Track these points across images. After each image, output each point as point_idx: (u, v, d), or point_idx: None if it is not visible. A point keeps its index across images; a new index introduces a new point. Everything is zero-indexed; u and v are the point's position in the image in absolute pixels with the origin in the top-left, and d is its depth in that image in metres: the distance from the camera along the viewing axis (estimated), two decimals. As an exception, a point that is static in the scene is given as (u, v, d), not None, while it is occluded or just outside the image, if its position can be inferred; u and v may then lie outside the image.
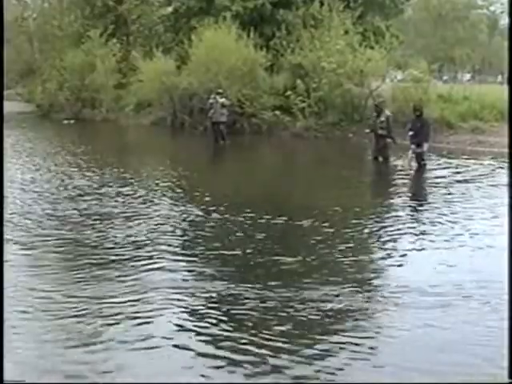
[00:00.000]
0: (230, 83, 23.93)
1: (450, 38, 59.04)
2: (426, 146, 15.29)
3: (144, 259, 7.69)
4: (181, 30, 29.64)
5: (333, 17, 24.35)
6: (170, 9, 32.18)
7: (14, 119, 32.81)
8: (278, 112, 23.96)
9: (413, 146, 15.35)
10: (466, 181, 13.56)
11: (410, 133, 15.40)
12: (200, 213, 10.11)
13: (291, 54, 24.63)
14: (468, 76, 55.06)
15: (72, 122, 30.83)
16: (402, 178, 14.31)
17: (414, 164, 15.35)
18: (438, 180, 13.74)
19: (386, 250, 8.21)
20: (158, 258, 7.73)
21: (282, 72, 25.15)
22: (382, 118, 15.96)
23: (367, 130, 17.04)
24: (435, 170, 15.29)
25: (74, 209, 10.45)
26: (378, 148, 16.22)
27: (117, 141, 24.49)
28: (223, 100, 20.93)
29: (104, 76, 31.78)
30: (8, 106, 40.33)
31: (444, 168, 15.66)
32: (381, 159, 16.07)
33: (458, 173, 14.83)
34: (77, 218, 9.81)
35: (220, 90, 21.51)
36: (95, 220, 9.62)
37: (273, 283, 6.79)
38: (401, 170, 15.17)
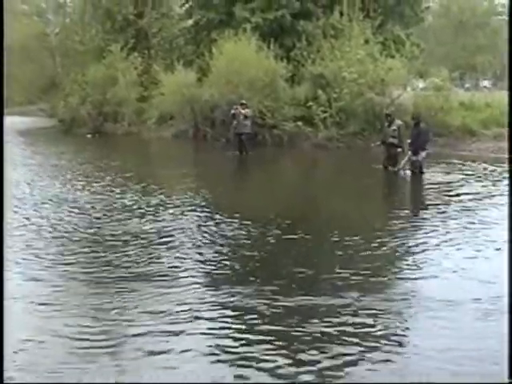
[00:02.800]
0: (251, 95, 24.06)
1: (471, 46, 58.82)
2: (422, 155, 15.49)
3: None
4: (201, 43, 29.99)
5: (353, 26, 24.47)
6: (190, 21, 32.55)
7: (36, 134, 33.27)
8: (299, 123, 24.05)
9: (409, 153, 15.65)
10: (490, 188, 13.60)
11: (408, 141, 15.69)
12: (242, 231, 10.05)
13: (312, 65, 24.76)
14: (486, 83, 54.71)
15: (96, 136, 31.16)
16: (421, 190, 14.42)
17: (408, 172, 15.70)
18: (455, 185, 13.80)
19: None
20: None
21: (303, 82, 25.27)
22: (394, 127, 16.11)
23: (377, 143, 17.13)
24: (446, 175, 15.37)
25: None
26: (388, 157, 16.33)
27: (142, 155, 24.63)
28: (246, 111, 21.13)
29: (125, 89, 32.03)
30: (30, 122, 41.05)
31: (467, 175, 15.73)
32: (391, 168, 16.10)
33: (480, 179, 14.91)
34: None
35: (243, 101, 21.70)
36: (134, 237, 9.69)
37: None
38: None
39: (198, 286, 7.32)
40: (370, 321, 6.26)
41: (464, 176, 15.59)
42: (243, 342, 5.91)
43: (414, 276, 7.63)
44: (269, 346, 5.76)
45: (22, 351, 5.74)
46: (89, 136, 31.15)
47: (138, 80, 32.60)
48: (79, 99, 34.54)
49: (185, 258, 8.47)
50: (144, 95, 32.01)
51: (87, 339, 5.97)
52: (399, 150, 16.00)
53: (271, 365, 5.43)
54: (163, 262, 8.29)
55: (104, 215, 11.38)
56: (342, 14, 25.21)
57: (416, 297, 6.88)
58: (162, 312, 6.52)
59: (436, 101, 23.06)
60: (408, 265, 8.15)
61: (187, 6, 33.07)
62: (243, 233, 9.79)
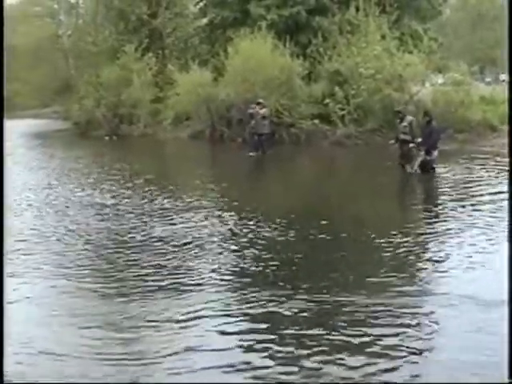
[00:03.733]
0: (268, 93, 24.19)
1: (490, 39, 58.46)
2: (435, 154, 15.63)
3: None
4: (216, 42, 30.14)
5: (369, 22, 24.51)
6: (204, 20, 32.73)
7: (51, 137, 33.53)
8: (316, 121, 24.12)
9: (422, 153, 15.70)
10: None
11: (419, 139, 15.73)
12: (267, 232, 10.14)
13: (328, 62, 24.87)
14: (505, 76, 54.50)
15: (113, 138, 31.39)
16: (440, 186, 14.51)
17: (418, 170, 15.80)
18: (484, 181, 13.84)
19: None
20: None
21: (320, 80, 25.38)
22: (405, 123, 16.13)
23: (392, 141, 17.09)
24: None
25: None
26: (401, 154, 16.34)
27: (160, 157, 24.85)
28: (264, 111, 21.29)
29: (140, 90, 32.21)
30: (45, 125, 41.34)
31: (489, 171, 15.75)
32: (409, 170, 16.01)
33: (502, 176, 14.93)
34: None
35: (260, 100, 21.83)
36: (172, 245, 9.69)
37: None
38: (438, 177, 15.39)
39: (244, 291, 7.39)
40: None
41: (486, 173, 15.60)
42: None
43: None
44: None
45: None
46: (106, 138, 31.39)
47: (152, 81, 32.81)
48: (94, 101, 34.73)
49: (219, 265, 8.49)
50: (159, 96, 32.18)
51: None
52: (411, 145, 15.94)
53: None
54: (197, 268, 8.33)
55: (130, 219, 11.48)
56: (357, 9, 25.19)
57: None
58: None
59: (456, 96, 23.00)
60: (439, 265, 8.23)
61: (201, 4, 33.21)
62: (271, 235, 9.87)
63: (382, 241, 9.27)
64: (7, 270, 8.16)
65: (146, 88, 32.37)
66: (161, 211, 12.10)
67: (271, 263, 8.36)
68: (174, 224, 10.88)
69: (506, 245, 8.41)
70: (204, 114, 27.78)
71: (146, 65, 32.84)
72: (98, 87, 34.46)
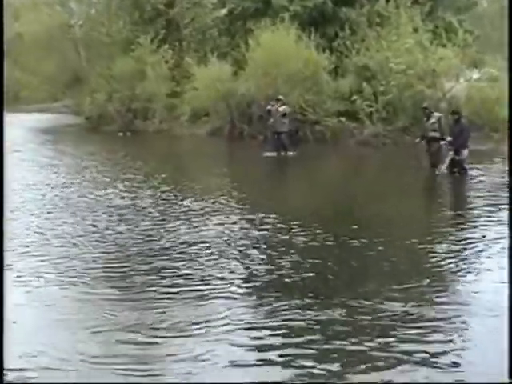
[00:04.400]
0: (291, 88, 24.39)
1: (531, 31, 58.20)
2: (465, 153, 15.76)
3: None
4: (236, 33, 30.26)
5: (400, 14, 24.54)
6: (224, 11, 32.79)
7: (61, 132, 33.82)
8: (343, 118, 24.26)
9: (451, 153, 15.86)
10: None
11: (449, 138, 15.87)
12: (299, 237, 10.23)
13: (356, 56, 24.98)
14: None
15: (127, 134, 31.66)
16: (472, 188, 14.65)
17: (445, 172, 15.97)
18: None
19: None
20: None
21: (347, 75, 25.48)
22: (433, 120, 16.35)
23: (417, 140, 17.25)
24: None
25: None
26: (431, 153, 16.52)
27: (177, 155, 25.16)
28: (284, 108, 21.36)
29: (156, 84, 32.47)
30: (54, 119, 41.65)
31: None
32: (437, 171, 16.14)
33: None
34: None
35: (280, 97, 21.87)
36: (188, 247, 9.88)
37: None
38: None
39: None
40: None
41: None
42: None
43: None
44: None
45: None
46: (120, 134, 31.66)
47: (168, 74, 33.06)
48: (106, 95, 35.01)
49: (243, 269, 8.67)
50: (175, 90, 32.41)
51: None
52: (442, 142, 16.14)
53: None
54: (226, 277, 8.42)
55: (150, 221, 11.65)
56: (388, 0, 25.30)
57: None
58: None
59: (492, 92, 23.03)
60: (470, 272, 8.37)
61: (221, -7, 33.37)
62: (303, 240, 9.98)
63: (418, 246, 9.42)
64: (16, 271, 8.45)
65: (162, 82, 32.62)
66: (182, 213, 12.22)
67: (305, 272, 8.49)
68: (197, 227, 10.99)
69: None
70: (223, 109, 27.99)
71: (162, 57, 33.08)
72: (111, 80, 34.70)
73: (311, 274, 8.35)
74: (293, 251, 9.40)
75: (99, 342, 6.41)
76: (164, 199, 13.83)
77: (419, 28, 24.45)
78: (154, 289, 7.91)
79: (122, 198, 14.12)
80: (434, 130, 16.27)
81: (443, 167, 15.94)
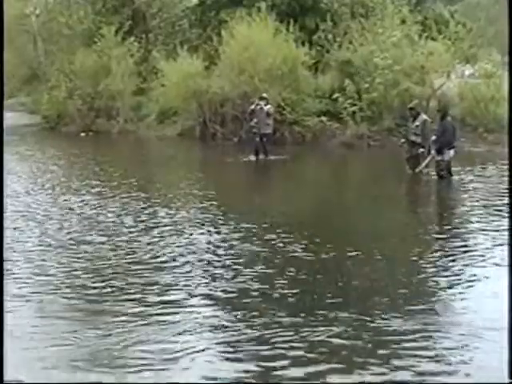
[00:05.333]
0: (268, 86, 24.50)
1: (529, 23, 58.67)
2: (448, 154, 15.88)
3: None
4: (209, 25, 30.36)
5: (386, 4, 24.96)
6: (195, 0, 32.93)
7: (17, 134, 33.60)
8: (324, 118, 24.56)
9: (433, 152, 16.04)
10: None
11: (433, 137, 16.04)
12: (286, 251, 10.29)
13: (338, 50, 25.28)
14: None
15: (90, 134, 31.66)
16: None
17: (433, 175, 16.19)
18: None
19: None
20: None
21: (328, 71, 25.78)
22: (417, 123, 16.41)
23: (402, 140, 17.54)
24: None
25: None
26: (411, 157, 16.64)
27: (144, 158, 24.93)
28: (268, 107, 21.26)
29: (121, 81, 32.47)
30: (10, 119, 41.25)
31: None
32: (415, 170, 16.43)
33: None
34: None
35: (264, 95, 21.83)
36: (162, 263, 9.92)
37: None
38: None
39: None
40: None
41: None
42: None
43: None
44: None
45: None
46: (82, 135, 31.65)
47: (134, 69, 33.04)
48: (66, 92, 34.81)
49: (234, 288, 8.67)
50: (142, 87, 32.45)
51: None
52: (421, 150, 16.28)
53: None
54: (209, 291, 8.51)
55: (123, 235, 11.63)
56: (373, -12, 25.58)
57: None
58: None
59: (486, 90, 23.30)
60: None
61: (191, -19, 33.54)
62: (290, 253, 10.09)
63: (411, 259, 9.58)
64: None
65: (127, 78, 32.60)
66: (155, 224, 12.29)
67: (293, 287, 8.60)
68: (173, 239, 11.06)
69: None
70: (194, 108, 28.05)
71: (128, 51, 33.00)
72: (71, 76, 34.57)
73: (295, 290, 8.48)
74: (272, 264, 9.52)
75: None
76: (135, 209, 13.81)
77: (407, 19, 24.75)
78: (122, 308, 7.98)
79: (90, 206, 14.15)
80: (416, 133, 16.36)
81: (421, 167, 16.19)
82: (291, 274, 9.08)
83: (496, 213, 12.52)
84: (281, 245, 10.52)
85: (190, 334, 7.06)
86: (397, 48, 23.84)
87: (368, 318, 7.36)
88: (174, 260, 9.89)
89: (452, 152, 15.95)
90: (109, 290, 8.64)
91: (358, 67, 24.37)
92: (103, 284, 8.85)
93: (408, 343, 6.71)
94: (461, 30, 24.39)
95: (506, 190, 14.52)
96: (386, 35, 24.10)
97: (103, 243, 10.97)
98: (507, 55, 19.49)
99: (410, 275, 9.01)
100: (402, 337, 6.85)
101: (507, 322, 5.91)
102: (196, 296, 8.31)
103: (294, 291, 8.41)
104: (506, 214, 12.04)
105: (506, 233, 10.79)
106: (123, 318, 7.57)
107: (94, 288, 8.72)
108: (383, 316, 7.41)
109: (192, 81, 27.27)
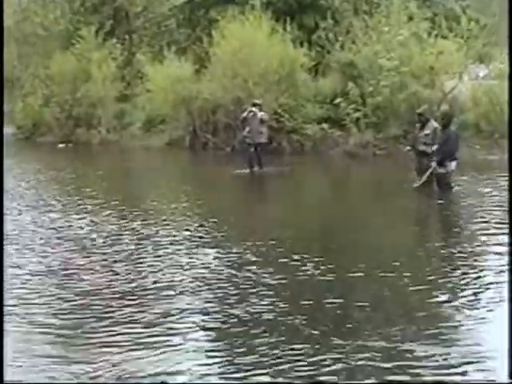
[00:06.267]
0: (263, 91, 24.72)
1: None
2: (452, 165, 15.79)
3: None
4: (198, 25, 30.73)
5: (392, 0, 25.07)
6: (183, -2, 33.08)
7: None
8: (325, 125, 24.76)
9: (433, 164, 15.82)
10: None
11: (434, 147, 15.85)
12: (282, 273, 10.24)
13: (340, 50, 25.49)
14: None
15: (70, 146, 31.80)
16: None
17: (436, 188, 16.09)
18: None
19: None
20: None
21: (330, 74, 26.04)
22: (427, 131, 16.18)
23: (408, 148, 17.61)
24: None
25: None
26: (421, 169, 16.36)
27: (128, 172, 25.07)
28: (261, 114, 20.97)
29: (102, 86, 32.76)
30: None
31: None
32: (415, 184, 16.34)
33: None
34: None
35: (257, 101, 21.54)
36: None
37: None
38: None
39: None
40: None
41: None
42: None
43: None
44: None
45: None
46: (61, 146, 31.75)
47: (117, 74, 33.40)
48: (42, 99, 35.01)
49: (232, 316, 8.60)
50: (126, 93, 32.75)
51: None
52: (433, 162, 15.92)
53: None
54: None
55: (117, 259, 11.59)
56: (377, -17, 25.81)
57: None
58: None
59: (502, 92, 23.35)
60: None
61: (179, -23, 33.65)
62: (287, 276, 10.03)
63: (413, 288, 9.68)
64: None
65: (109, 83, 32.96)
66: (149, 246, 12.26)
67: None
68: (167, 266, 10.92)
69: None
70: (183, 116, 28.35)
71: (109, 53, 33.42)
72: (48, 81, 34.71)
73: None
74: (272, 292, 9.42)
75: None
76: (126, 229, 13.78)
77: (415, 16, 24.89)
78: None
79: (77, 227, 14.15)
80: (426, 143, 16.15)
81: (422, 180, 16.06)
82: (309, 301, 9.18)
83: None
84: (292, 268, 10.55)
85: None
86: (404, 47, 24.01)
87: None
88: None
89: (454, 164, 15.84)
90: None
91: (361, 69, 24.52)
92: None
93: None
94: (474, 26, 24.28)
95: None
96: (392, 34, 24.26)
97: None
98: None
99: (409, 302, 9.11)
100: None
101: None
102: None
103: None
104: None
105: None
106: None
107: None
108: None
109: (180, 86, 27.54)
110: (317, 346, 7.46)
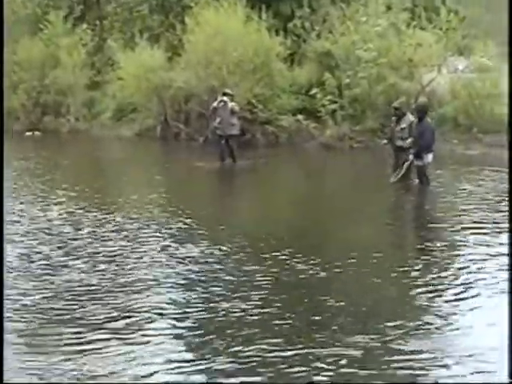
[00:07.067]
0: (238, 80, 24.63)
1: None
2: (428, 158, 15.80)
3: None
4: (171, 11, 30.49)
5: (370, -12, 24.94)
6: (156, -18, 32.87)
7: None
8: (300, 116, 24.68)
9: (411, 157, 15.92)
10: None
11: (409, 140, 15.98)
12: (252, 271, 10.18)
13: (317, 40, 25.44)
14: None
15: (37, 134, 31.48)
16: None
17: (416, 180, 16.18)
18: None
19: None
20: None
21: (306, 63, 25.93)
22: (403, 125, 16.28)
23: (385, 141, 17.61)
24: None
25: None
26: (398, 164, 16.45)
27: (97, 163, 24.86)
28: (232, 104, 20.66)
29: (71, 73, 32.50)
30: None
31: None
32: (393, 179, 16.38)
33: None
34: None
35: (228, 90, 21.32)
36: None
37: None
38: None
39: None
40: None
41: None
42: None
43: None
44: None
45: None
46: (28, 134, 31.49)
47: (87, 60, 33.16)
48: (8, 85, 34.74)
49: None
50: (96, 81, 32.50)
51: None
52: (411, 156, 15.98)
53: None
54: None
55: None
56: (355, -29, 25.68)
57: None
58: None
59: (482, 86, 23.35)
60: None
61: (152, -39, 33.41)
62: (258, 274, 9.99)
63: (394, 282, 9.59)
64: None
65: (79, 70, 32.70)
66: (111, 239, 12.24)
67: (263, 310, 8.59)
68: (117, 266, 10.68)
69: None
70: (155, 105, 28.19)
71: (79, 40, 33.10)
72: (15, 68, 34.45)
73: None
74: (245, 290, 9.32)
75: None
76: (92, 221, 13.73)
77: (393, 6, 24.85)
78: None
79: (46, 219, 14.03)
80: (402, 138, 16.24)
81: (399, 175, 16.14)
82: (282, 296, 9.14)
83: (491, 225, 12.52)
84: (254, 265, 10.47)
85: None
86: (382, 38, 23.98)
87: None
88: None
89: (431, 156, 15.82)
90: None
91: (338, 59, 24.36)
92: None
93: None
94: (453, 18, 24.27)
95: (503, 198, 14.57)
96: (370, 24, 24.20)
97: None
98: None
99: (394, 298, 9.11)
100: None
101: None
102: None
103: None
104: (502, 226, 12.19)
105: (497, 244, 11.03)
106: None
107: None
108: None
109: (153, 74, 27.38)
110: (293, 341, 7.45)
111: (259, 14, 25.67)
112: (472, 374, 6.63)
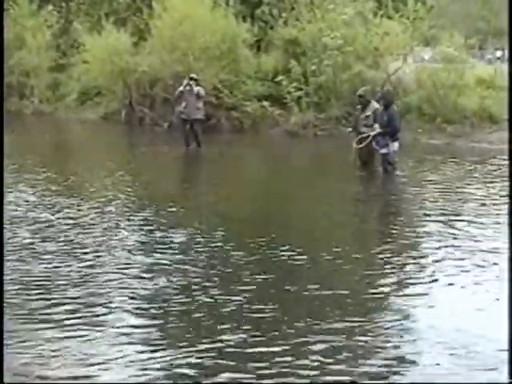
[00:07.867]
0: (204, 65, 24.67)
1: (496, 3, 59.24)
2: (394, 146, 16.01)
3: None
4: (138, -5, 30.34)
5: (338, -24, 25.05)
6: (123, -35, 32.76)
7: None
8: (265, 103, 24.80)
9: (376, 147, 16.18)
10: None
11: (375, 126, 16.14)
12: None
13: (283, 27, 25.62)
14: (499, 54, 54.55)
15: None
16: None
17: (380, 169, 16.41)
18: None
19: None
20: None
21: (272, 50, 26.14)
22: (368, 113, 16.52)
23: (349, 129, 17.89)
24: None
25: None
26: (361, 152, 16.55)
27: (63, 145, 24.91)
28: (198, 89, 20.68)
29: (36, 55, 32.43)
30: None
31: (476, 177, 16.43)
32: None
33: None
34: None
35: (194, 75, 21.23)
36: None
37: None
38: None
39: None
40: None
41: (479, 185, 15.58)
42: None
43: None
44: None
45: None
46: None
47: (52, 42, 33.04)
48: (-28, 67, 34.63)
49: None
50: (61, 63, 32.38)
51: None
52: (374, 143, 16.22)
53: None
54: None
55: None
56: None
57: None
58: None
59: (447, 76, 23.48)
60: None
61: None
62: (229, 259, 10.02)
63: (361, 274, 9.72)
64: None
65: (44, 52, 32.62)
66: (71, 227, 11.99)
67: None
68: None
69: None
70: (120, 89, 28.22)
71: (45, 21, 33.01)
72: (-21, 48, 34.35)
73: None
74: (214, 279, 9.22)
75: None
76: (54, 204, 13.74)
77: (361, -5, 24.93)
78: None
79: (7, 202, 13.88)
80: (367, 125, 16.40)
81: (361, 145, 16.24)
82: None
83: (450, 217, 12.54)
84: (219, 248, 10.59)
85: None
86: (348, 27, 24.18)
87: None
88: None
89: (397, 144, 16.04)
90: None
91: (305, 47, 24.59)
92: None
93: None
94: (420, 8, 24.35)
95: (464, 189, 14.89)
96: (337, 12, 24.36)
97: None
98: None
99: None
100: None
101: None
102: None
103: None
104: (461, 216, 12.39)
105: (454, 234, 11.18)
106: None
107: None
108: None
109: (118, 57, 27.34)
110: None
111: (227, 1, 25.78)
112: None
